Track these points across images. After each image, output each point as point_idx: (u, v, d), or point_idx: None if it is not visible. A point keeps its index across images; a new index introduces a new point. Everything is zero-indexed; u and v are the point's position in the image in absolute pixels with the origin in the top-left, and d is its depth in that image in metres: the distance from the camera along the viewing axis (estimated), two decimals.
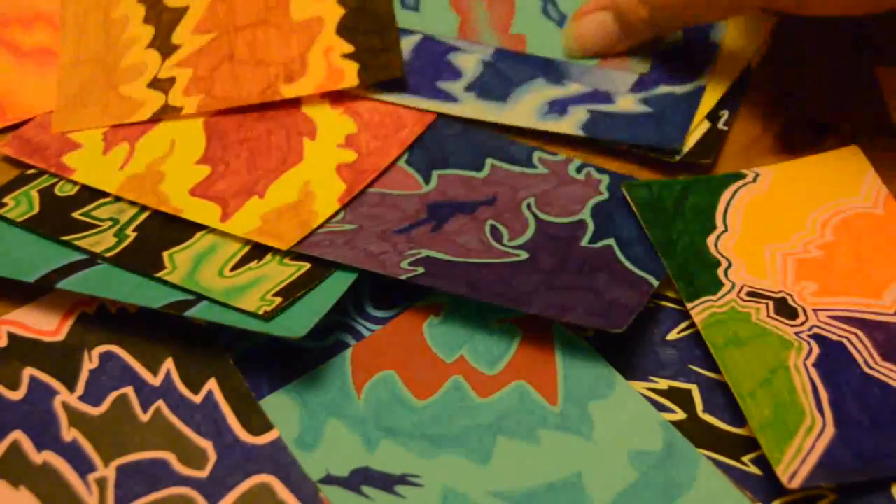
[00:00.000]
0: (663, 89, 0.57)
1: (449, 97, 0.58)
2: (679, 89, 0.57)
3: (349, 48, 0.58)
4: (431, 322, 0.51)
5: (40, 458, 0.48)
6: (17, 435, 0.48)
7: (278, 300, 0.50)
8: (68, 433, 0.48)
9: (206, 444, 0.48)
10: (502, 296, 0.50)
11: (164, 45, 0.59)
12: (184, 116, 0.57)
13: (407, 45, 0.59)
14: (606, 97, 0.57)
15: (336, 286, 0.50)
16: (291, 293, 0.50)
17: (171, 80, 0.58)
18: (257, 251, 0.52)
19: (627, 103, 0.57)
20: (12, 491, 0.47)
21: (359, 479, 0.47)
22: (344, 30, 0.58)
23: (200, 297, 0.50)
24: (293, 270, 0.51)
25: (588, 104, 0.57)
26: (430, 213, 0.54)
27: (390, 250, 0.52)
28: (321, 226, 0.53)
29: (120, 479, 0.47)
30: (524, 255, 0.52)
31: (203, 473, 0.47)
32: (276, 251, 0.52)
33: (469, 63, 0.59)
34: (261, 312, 0.49)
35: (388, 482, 0.47)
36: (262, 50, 0.58)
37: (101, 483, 0.47)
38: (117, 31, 0.60)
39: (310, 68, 0.57)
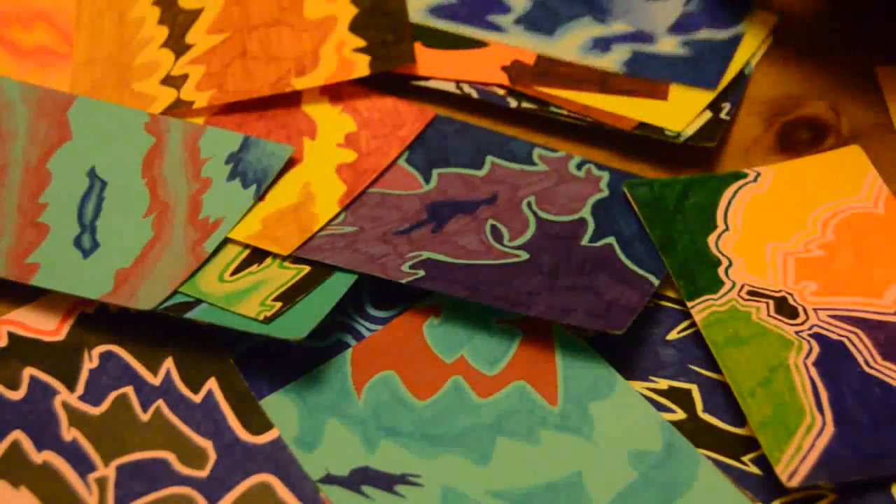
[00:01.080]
0: (703, 34, 0.59)
1: (497, 28, 0.59)
2: (719, 35, 0.58)
3: (361, 42, 0.58)
4: (431, 322, 0.51)
5: (40, 458, 0.48)
6: (17, 435, 0.48)
7: (278, 305, 0.50)
8: (68, 433, 0.48)
9: (206, 444, 0.48)
10: (503, 299, 0.49)
11: (177, 45, 0.59)
12: (195, 110, 0.57)
13: None
14: (649, 38, 0.59)
15: (336, 288, 0.50)
16: (291, 297, 0.50)
17: (184, 77, 0.58)
18: (257, 255, 0.52)
19: (669, 45, 0.58)
20: (12, 491, 0.47)
21: (359, 478, 0.47)
22: (357, 27, 0.58)
23: (201, 300, 0.50)
24: (293, 274, 0.51)
25: (631, 43, 0.59)
26: (431, 214, 0.54)
27: (391, 253, 0.51)
28: (322, 228, 0.53)
29: (120, 478, 0.47)
30: (524, 256, 0.52)
31: (203, 473, 0.47)
32: (276, 255, 0.52)
33: (519, 0, 0.60)
34: (261, 318, 0.49)
35: (388, 482, 0.47)
36: (275, 47, 0.58)
37: (101, 483, 0.47)
38: (132, 31, 0.59)
39: (321, 62, 0.57)
